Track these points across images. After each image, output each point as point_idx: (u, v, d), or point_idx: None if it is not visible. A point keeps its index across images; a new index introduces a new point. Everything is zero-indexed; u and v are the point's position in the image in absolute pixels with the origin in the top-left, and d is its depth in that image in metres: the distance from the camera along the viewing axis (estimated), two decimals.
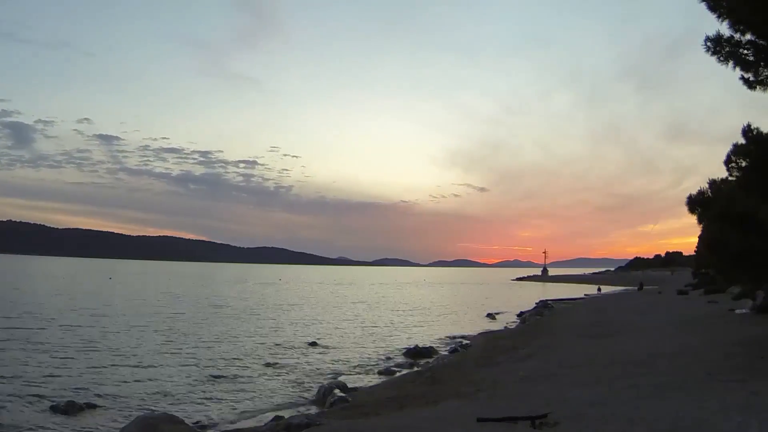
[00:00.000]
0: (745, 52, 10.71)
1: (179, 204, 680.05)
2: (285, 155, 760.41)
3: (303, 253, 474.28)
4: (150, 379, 14.23)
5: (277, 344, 20.94)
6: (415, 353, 19.22)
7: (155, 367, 15.90)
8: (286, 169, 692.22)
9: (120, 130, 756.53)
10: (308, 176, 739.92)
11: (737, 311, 20.08)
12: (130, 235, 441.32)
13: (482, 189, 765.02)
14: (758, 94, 11.00)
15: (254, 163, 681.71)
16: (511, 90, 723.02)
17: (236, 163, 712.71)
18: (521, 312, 36.05)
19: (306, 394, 13.25)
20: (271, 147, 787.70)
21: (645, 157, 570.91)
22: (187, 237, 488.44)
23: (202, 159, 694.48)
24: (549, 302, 41.29)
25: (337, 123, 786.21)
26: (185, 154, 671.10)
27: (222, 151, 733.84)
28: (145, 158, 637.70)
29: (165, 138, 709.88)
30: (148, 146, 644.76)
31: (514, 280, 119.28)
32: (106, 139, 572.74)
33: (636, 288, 54.72)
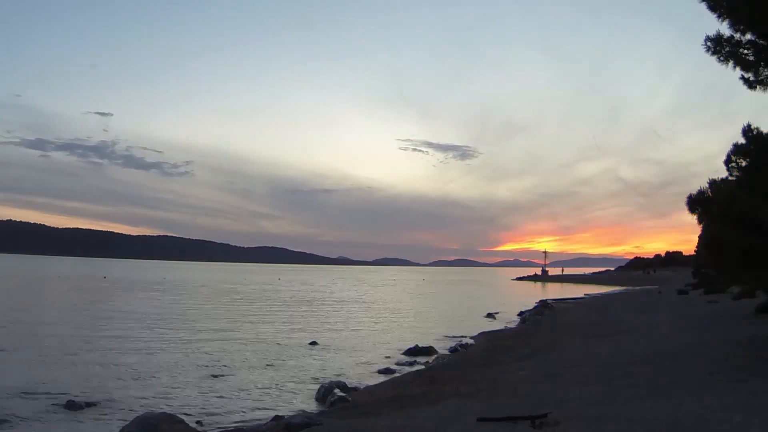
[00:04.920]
0: (745, 52, 10.73)
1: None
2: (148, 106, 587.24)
3: (303, 252, 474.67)
4: (150, 379, 14.23)
5: (277, 344, 20.94)
6: (415, 353, 19.23)
7: (155, 366, 15.88)
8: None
9: None
10: (215, 155, 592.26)
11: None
12: (130, 235, 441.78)
13: (467, 152, 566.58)
14: (758, 93, 11.04)
15: (108, 114, 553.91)
16: None
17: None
18: (521, 312, 36.02)
19: (306, 394, 13.25)
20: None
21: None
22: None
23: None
24: (549, 302, 41.27)
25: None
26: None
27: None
28: None
29: None
30: None
31: (514, 279, 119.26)
32: None
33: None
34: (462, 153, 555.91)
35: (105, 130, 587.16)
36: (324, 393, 12.45)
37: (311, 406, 12.03)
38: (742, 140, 11.64)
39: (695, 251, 45.04)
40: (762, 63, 10.74)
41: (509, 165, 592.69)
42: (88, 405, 11.44)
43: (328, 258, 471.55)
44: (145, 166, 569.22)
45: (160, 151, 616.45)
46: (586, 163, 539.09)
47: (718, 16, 10.62)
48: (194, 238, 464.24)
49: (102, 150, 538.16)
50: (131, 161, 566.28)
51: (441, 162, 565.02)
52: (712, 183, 13.56)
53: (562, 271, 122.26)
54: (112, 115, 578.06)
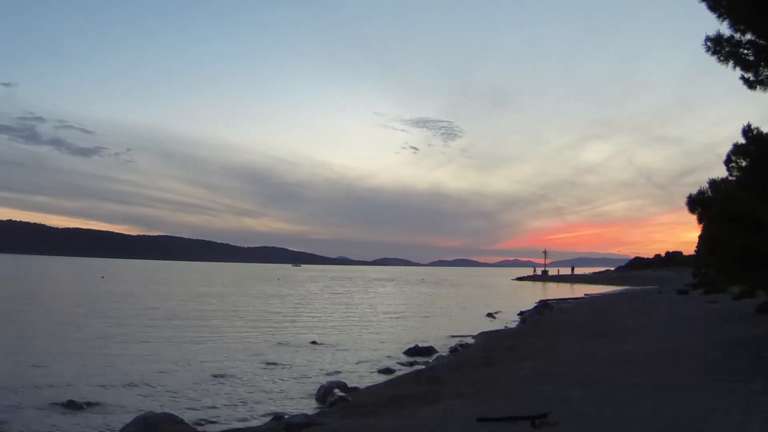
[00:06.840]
0: (745, 52, 10.74)
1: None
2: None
3: (303, 252, 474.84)
4: (150, 379, 14.21)
5: (277, 343, 20.93)
6: (415, 352, 19.23)
7: (155, 366, 15.89)
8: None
9: None
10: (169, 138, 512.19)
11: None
12: (130, 235, 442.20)
13: (449, 129, 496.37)
14: (758, 93, 11.06)
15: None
16: None
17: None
18: (521, 312, 36.01)
19: (306, 394, 13.25)
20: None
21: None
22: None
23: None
24: (549, 302, 41.25)
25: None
26: None
27: None
28: None
29: None
30: None
31: (514, 279, 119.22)
32: None
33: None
34: (444, 131, 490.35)
35: (12, 102, 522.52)
36: (324, 393, 12.44)
37: (311, 406, 12.03)
38: (742, 140, 11.67)
39: (695, 251, 45.13)
40: (762, 63, 10.74)
41: (501, 148, 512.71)
42: (88, 405, 11.44)
43: (329, 258, 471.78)
44: (84, 152, 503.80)
45: (90, 131, 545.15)
46: (591, 143, 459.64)
47: (718, 16, 10.63)
48: (194, 239, 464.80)
49: (23, 131, 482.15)
50: (64, 145, 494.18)
51: (423, 143, 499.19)
52: (712, 183, 13.60)
53: (558, 272, 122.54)
54: (17, 85, 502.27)
